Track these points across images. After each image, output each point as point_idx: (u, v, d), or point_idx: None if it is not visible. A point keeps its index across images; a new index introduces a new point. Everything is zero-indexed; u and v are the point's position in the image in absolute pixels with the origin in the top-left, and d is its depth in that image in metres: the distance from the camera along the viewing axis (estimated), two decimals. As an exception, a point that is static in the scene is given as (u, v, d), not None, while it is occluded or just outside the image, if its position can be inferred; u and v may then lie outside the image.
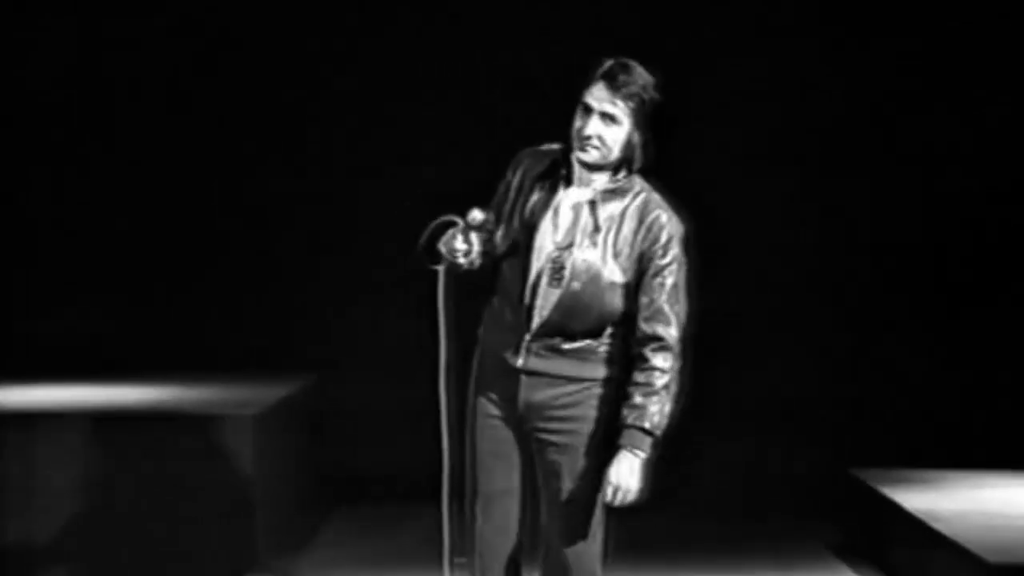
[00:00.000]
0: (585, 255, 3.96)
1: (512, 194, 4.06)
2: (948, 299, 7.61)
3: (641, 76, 3.99)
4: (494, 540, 4.09)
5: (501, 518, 4.08)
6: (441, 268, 3.99)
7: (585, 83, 4.00)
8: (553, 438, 3.99)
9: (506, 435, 4.05)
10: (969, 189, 7.60)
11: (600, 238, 3.97)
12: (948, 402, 7.52)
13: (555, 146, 4.10)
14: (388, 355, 5.66)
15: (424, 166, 7.20)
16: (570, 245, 3.97)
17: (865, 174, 7.66)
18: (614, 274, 3.95)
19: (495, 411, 4.05)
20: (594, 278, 3.94)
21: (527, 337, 3.97)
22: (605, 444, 3.97)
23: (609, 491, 3.93)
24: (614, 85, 3.97)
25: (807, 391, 7.52)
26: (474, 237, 3.98)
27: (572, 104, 4.07)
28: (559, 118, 4.12)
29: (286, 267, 7.72)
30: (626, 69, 3.99)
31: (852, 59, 7.64)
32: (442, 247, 3.98)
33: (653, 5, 7.55)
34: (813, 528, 6.67)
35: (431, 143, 7.44)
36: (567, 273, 3.95)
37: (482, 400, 4.07)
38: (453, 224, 4.02)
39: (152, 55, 7.76)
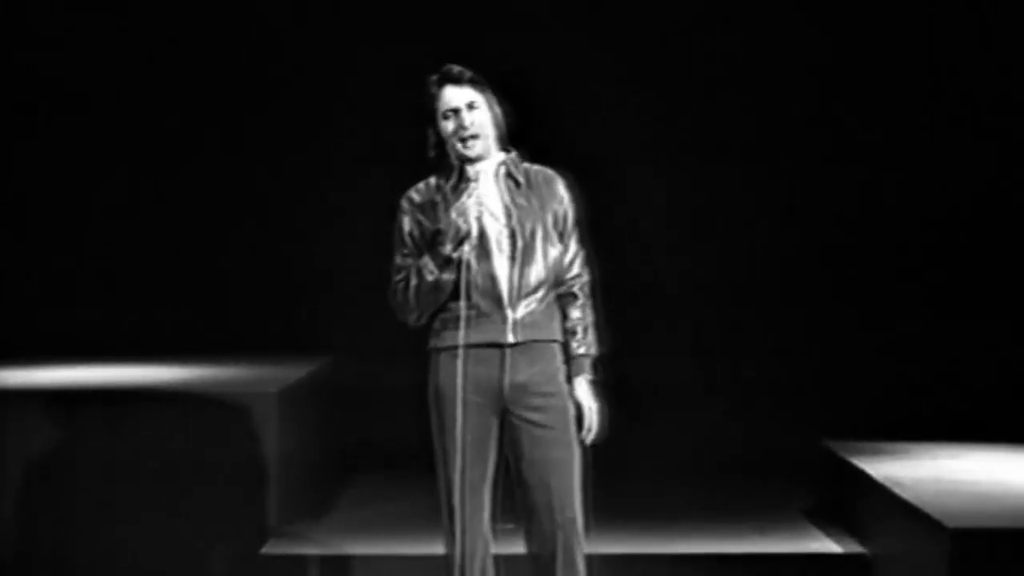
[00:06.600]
0: (522, 216, 4.25)
1: (429, 224, 4.25)
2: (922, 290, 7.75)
3: (466, 69, 4.26)
4: (476, 525, 4.29)
5: (480, 503, 4.29)
6: (470, 236, 4.19)
7: (427, 102, 4.21)
8: (535, 416, 4.25)
9: (487, 423, 4.26)
10: (913, 155, 7.72)
11: (524, 201, 4.27)
12: (911, 380, 7.63)
13: (430, 179, 4.31)
14: (399, 336, 5.90)
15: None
16: (509, 217, 4.24)
17: (814, 151, 7.76)
18: (547, 223, 4.27)
19: (478, 399, 4.24)
20: (535, 231, 4.25)
21: (508, 311, 4.22)
22: (571, 405, 4.29)
23: (585, 418, 4.28)
24: (458, 80, 4.22)
25: (784, 371, 7.68)
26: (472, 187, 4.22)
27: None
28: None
29: (304, 255, 7.83)
30: (455, 67, 4.25)
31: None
32: (468, 209, 4.18)
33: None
34: (788, 495, 6.77)
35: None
36: (518, 234, 4.24)
37: (465, 393, 4.21)
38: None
39: (152, 53, 7.84)
